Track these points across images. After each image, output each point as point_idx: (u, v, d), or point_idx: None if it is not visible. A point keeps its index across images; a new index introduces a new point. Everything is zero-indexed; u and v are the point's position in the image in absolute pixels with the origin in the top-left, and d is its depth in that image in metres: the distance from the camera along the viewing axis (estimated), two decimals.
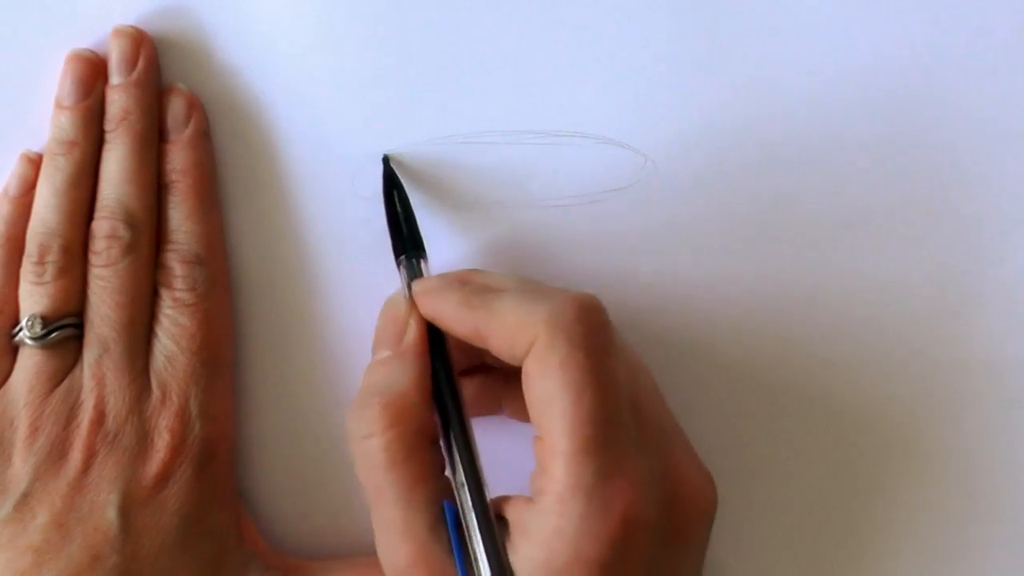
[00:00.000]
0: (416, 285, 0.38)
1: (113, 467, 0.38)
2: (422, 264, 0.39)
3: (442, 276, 0.38)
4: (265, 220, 0.41)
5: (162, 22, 0.41)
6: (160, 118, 0.40)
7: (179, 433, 0.38)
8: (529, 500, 0.35)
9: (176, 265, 0.39)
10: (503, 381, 0.40)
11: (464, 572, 0.34)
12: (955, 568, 0.43)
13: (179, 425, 0.39)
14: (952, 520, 0.42)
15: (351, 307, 0.41)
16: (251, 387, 0.42)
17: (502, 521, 0.35)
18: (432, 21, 0.41)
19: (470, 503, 0.35)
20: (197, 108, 0.40)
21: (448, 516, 0.35)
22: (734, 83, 0.41)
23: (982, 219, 0.42)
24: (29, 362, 0.39)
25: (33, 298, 0.39)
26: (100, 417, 0.38)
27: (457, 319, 0.36)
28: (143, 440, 0.38)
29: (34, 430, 0.38)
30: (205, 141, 0.41)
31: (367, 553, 0.41)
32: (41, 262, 0.39)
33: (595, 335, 0.34)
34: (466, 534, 0.35)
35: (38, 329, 0.38)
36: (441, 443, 0.36)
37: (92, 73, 0.40)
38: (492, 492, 0.36)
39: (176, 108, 0.40)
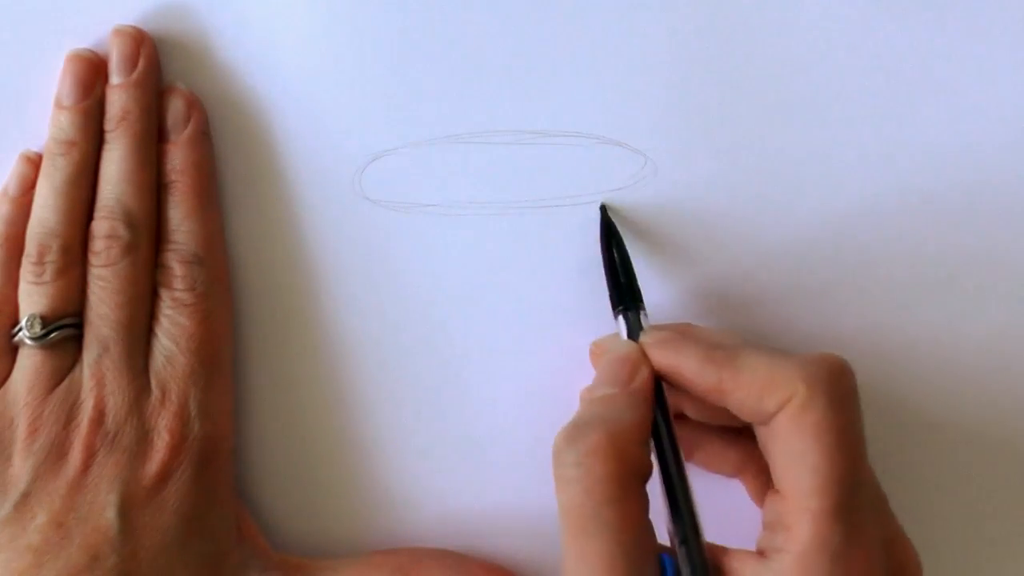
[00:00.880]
0: (649, 336, 0.38)
1: (113, 467, 0.38)
2: (642, 314, 0.39)
3: (672, 330, 0.38)
4: (265, 220, 0.41)
5: (162, 22, 0.41)
6: (160, 118, 0.40)
7: (179, 433, 0.38)
8: (758, 555, 0.34)
9: (176, 265, 0.39)
10: (694, 430, 0.40)
11: None
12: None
13: (179, 425, 0.39)
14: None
15: (351, 307, 0.41)
16: (251, 387, 0.42)
17: (717, 572, 0.35)
18: (432, 21, 0.41)
19: (688, 555, 0.35)
20: (197, 108, 0.40)
21: (668, 569, 0.34)
22: (734, 83, 0.41)
23: (985, 215, 0.42)
24: (28, 362, 0.39)
25: (32, 298, 0.39)
26: (100, 417, 0.38)
27: (698, 373, 0.36)
28: (143, 440, 0.38)
29: (34, 430, 0.38)
30: (205, 141, 0.41)
31: (367, 553, 0.41)
32: (40, 262, 0.39)
33: (849, 397, 0.35)
34: None
35: (37, 329, 0.38)
36: (662, 491, 0.36)
37: (92, 73, 0.40)
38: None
39: (176, 108, 0.40)
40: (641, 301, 0.39)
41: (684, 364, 0.36)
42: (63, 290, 0.39)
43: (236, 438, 0.41)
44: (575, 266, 0.41)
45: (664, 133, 0.41)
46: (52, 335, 0.38)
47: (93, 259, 0.39)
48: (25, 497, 0.38)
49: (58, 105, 0.40)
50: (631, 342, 0.38)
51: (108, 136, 0.40)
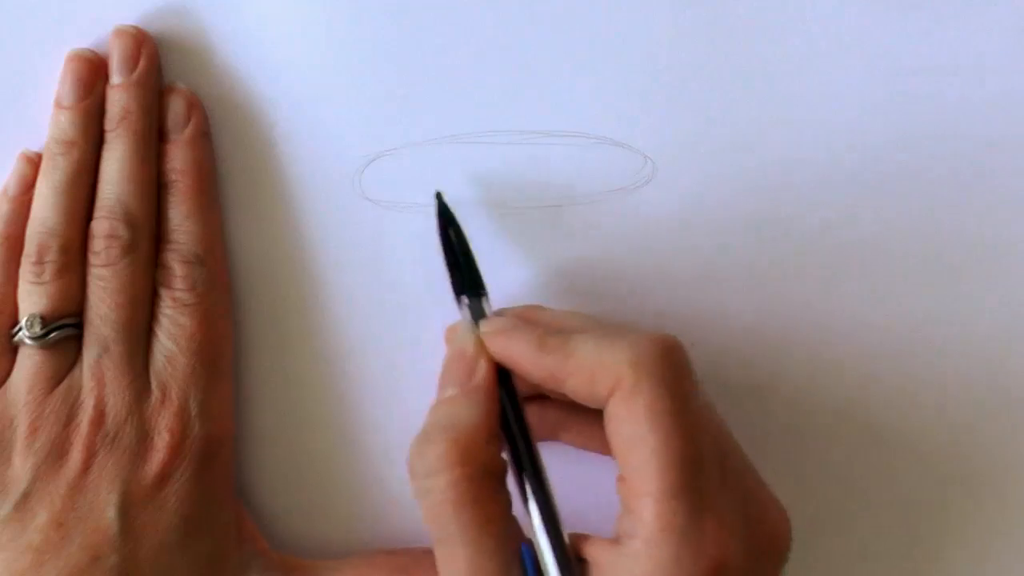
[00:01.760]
0: (485, 325, 0.37)
1: (113, 467, 0.38)
2: (484, 302, 0.38)
3: (510, 316, 0.38)
4: (265, 220, 0.41)
5: (163, 22, 0.41)
6: (160, 118, 0.40)
7: (179, 433, 0.38)
8: (613, 542, 0.34)
9: (176, 265, 0.39)
10: (559, 410, 0.39)
11: None
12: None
13: (179, 425, 0.38)
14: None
15: (351, 307, 0.41)
16: (251, 387, 0.42)
17: (582, 562, 0.35)
18: (432, 21, 0.41)
19: (548, 545, 0.35)
20: (197, 108, 0.40)
21: (527, 560, 0.34)
22: (734, 83, 0.41)
23: (988, 218, 0.42)
24: (28, 362, 0.39)
25: (32, 298, 0.39)
26: (100, 417, 0.38)
27: (532, 363, 0.36)
28: (143, 440, 0.38)
29: (34, 430, 0.38)
30: (205, 141, 0.41)
31: (367, 553, 0.41)
32: (40, 262, 0.39)
33: (680, 376, 0.34)
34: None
35: (37, 329, 0.38)
36: (513, 483, 0.36)
37: (92, 73, 0.40)
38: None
39: (176, 108, 0.40)
40: (483, 287, 0.39)
41: (519, 353, 0.36)
42: (63, 290, 0.39)
43: (236, 438, 0.41)
44: (575, 266, 0.41)
45: (664, 133, 0.41)
46: (52, 335, 0.38)
47: (93, 259, 0.39)
48: (25, 497, 0.38)
49: (58, 105, 0.40)
50: (469, 335, 0.37)
51: (108, 136, 0.40)
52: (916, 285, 0.42)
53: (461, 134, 0.41)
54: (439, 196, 0.40)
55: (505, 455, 0.36)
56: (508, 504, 0.35)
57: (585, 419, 0.38)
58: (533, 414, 0.38)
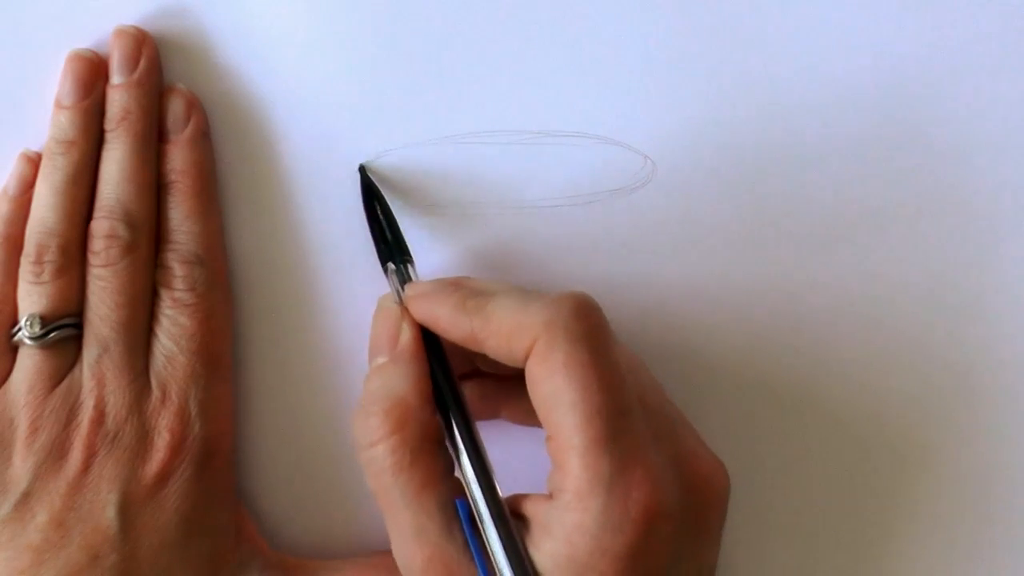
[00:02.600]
0: (408, 289, 0.38)
1: (113, 467, 0.38)
2: (410, 269, 0.39)
3: (434, 281, 0.38)
4: (265, 220, 0.41)
5: (163, 22, 0.41)
6: (160, 118, 0.40)
7: (179, 433, 0.38)
8: (548, 497, 0.35)
9: (176, 265, 0.39)
10: (498, 386, 0.40)
11: (484, 569, 0.34)
12: (961, 569, 0.43)
13: (179, 425, 0.39)
14: (962, 521, 0.42)
15: (351, 307, 0.41)
16: (251, 387, 0.42)
17: (521, 519, 0.35)
18: (432, 21, 0.41)
19: (483, 500, 0.35)
20: (197, 108, 0.40)
21: (462, 513, 0.35)
22: (735, 83, 0.41)
23: (987, 217, 0.42)
24: (28, 362, 0.39)
25: (32, 298, 0.39)
26: (100, 417, 0.38)
27: (452, 323, 0.36)
28: (143, 440, 0.38)
29: (34, 430, 0.38)
30: (205, 141, 0.41)
31: (367, 553, 0.41)
32: (39, 262, 0.39)
33: (595, 331, 0.35)
34: (482, 532, 0.35)
35: (37, 329, 0.38)
36: (447, 444, 0.36)
37: (92, 73, 0.40)
38: (507, 493, 0.36)
39: (176, 108, 0.40)
40: (408, 255, 0.39)
41: (440, 314, 0.36)
42: (62, 290, 0.39)
43: (236, 438, 0.41)
44: (575, 266, 0.41)
45: (664, 133, 0.41)
46: (52, 335, 0.38)
47: (93, 259, 0.39)
48: (25, 497, 0.38)
49: (58, 105, 0.40)
50: (392, 303, 0.38)
51: (108, 136, 0.40)
52: (917, 284, 0.42)
53: (461, 134, 0.41)
54: (362, 169, 0.41)
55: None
56: (449, 466, 0.36)
57: (521, 393, 0.38)
58: (471, 392, 0.39)
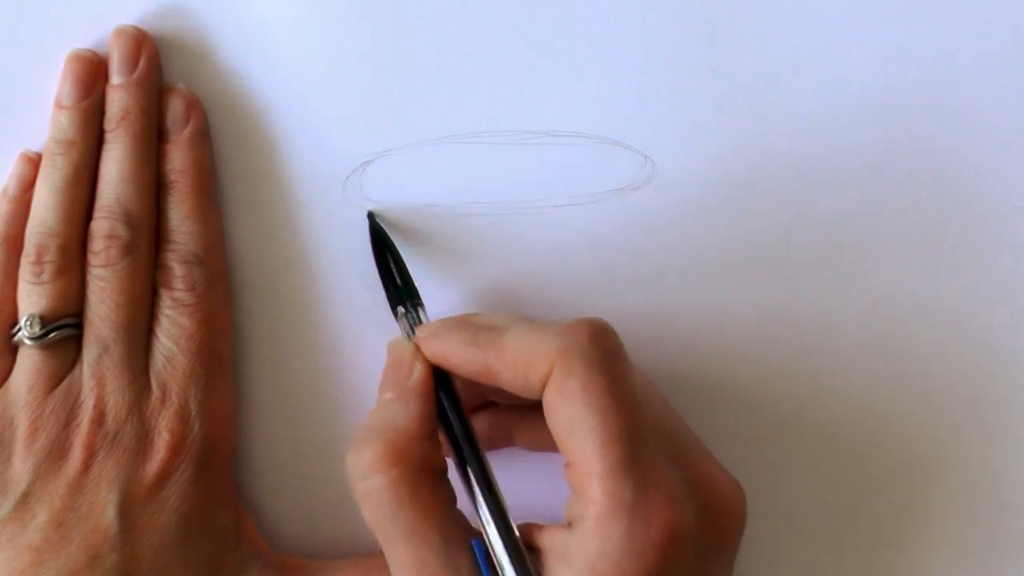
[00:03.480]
0: (420, 331, 0.38)
1: (113, 467, 0.38)
2: (420, 311, 0.39)
3: (444, 320, 0.38)
4: (265, 220, 0.41)
5: (163, 22, 0.41)
6: (160, 118, 0.40)
7: (179, 433, 0.38)
8: (565, 527, 0.34)
9: (175, 265, 0.39)
10: (510, 414, 0.40)
11: None
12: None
13: (179, 425, 0.39)
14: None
15: (351, 306, 0.41)
16: (251, 387, 0.42)
17: (534, 550, 0.35)
18: (432, 21, 0.41)
19: (497, 535, 0.35)
20: (196, 108, 0.40)
21: (478, 553, 0.35)
22: (735, 83, 0.41)
23: (989, 223, 0.42)
24: (28, 362, 0.39)
25: (31, 298, 0.39)
26: (100, 417, 0.38)
27: (466, 358, 0.36)
28: (143, 440, 0.38)
29: (34, 430, 0.38)
30: (204, 141, 0.41)
31: (367, 553, 0.41)
32: (39, 262, 0.39)
33: (611, 355, 0.35)
34: (497, 567, 0.35)
35: (37, 329, 0.38)
36: (460, 480, 0.36)
37: (92, 73, 0.40)
38: (517, 520, 0.36)
39: (175, 108, 0.40)
40: (419, 298, 0.39)
41: (452, 351, 0.36)
42: (62, 290, 0.39)
43: (236, 438, 0.41)
44: (575, 266, 0.41)
45: (664, 133, 0.41)
46: (51, 335, 0.38)
47: (92, 259, 0.39)
48: (25, 497, 0.38)
49: (58, 105, 0.40)
50: (404, 341, 0.38)
51: (108, 136, 0.40)
52: (917, 284, 0.42)
53: (461, 134, 0.41)
54: (371, 215, 0.41)
55: (450, 459, 0.37)
56: (450, 500, 0.36)
57: (535, 421, 0.38)
58: (484, 421, 0.39)
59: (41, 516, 0.37)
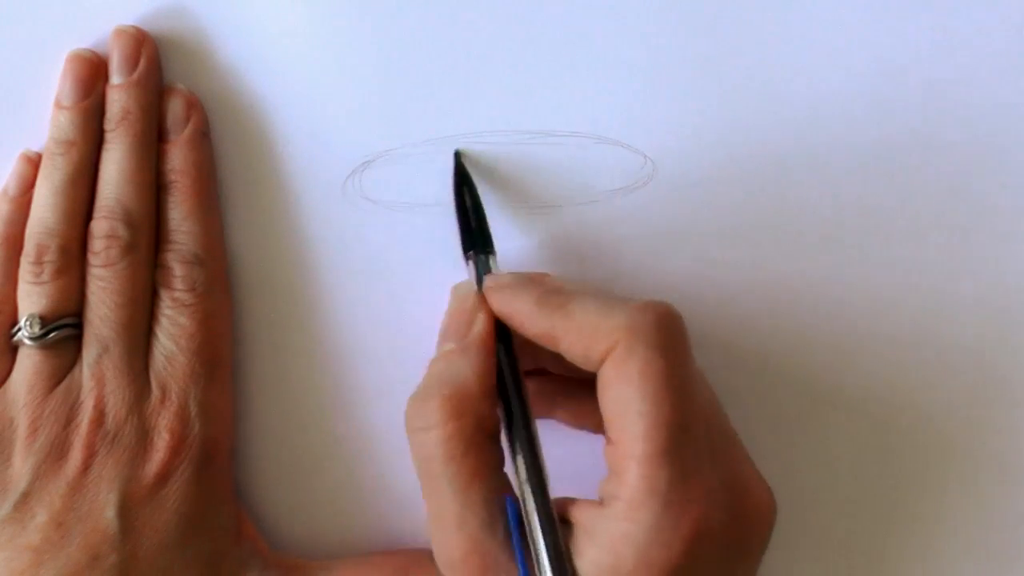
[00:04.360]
0: (488, 280, 0.38)
1: (113, 467, 0.38)
2: (492, 261, 0.39)
3: (514, 274, 0.38)
4: (265, 220, 0.41)
5: (163, 22, 0.41)
6: (160, 118, 0.40)
7: (179, 433, 0.38)
8: (598, 504, 0.34)
9: (175, 265, 0.39)
10: (558, 385, 0.40)
11: (525, 569, 0.34)
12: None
13: (179, 425, 0.39)
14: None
15: (351, 307, 0.41)
16: (251, 387, 0.42)
17: (566, 523, 0.35)
18: (432, 21, 0.41)
19: (532, 501, 0.35)
20: (196, 108, 0.40)
21: (510, 512, 0.35)
22: (735, 83, 0.41)
23: (988, 217, 0.42)
24: (28, 362, 0.39)
25: (31, 298, 0.39)
26: (100, 417, 0.38)
27: (531, 318, 0.36)
28: (143, 440, 0.38)
29: (34, 430, 0.38)
30: (204, 141, 0.41)
31: (366, 553, 0.41)
32: (39, 262, 0.39)
33: (675, 343, 0.35)
34: (528, 533, 0.35)
35: (36, 329, 0.38)
36: (504, 440, 0.36)
37: (92, 73, 0.40)
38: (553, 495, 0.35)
39: (175, 108, 0.40)
40: (491, 246, 0.39)
41: (519, 308, 0.36)
42: (62, 290, 0.39)
43: (236, 438, 0.41)
44: (575, 266, 0.41)
45: (664, 133, 0.41)
46: (51, 335, 0.38)
47: (92, 259, 0.39)
48: (25, 497, 0.38)
49: (58, 105, 0.40)
50: (470, 290, 0.38)
51: (108, 136, 0.40)
52: (917, 282, 0.42)
53: (461, 134, 0.41)
54: (457, 155, 0.40)
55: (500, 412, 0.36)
56: (499, 461, 0.36)
57: (580, 397, 0.38)
58: (530, 388, 0.39)
59: (41, 516, 0.37)
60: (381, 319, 0.41)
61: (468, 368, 0.36)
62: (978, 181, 0.41)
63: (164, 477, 0.38)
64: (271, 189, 0.41)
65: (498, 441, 0.36)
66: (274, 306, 0.42)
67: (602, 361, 0.34)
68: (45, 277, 0.39)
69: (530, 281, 0.37)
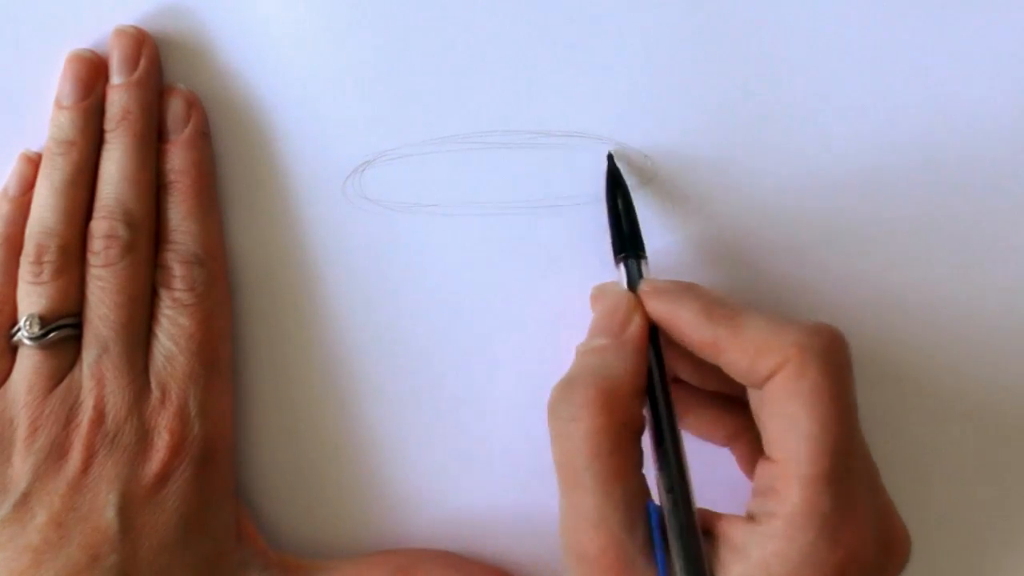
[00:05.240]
0: (645, 284, 0.38)
1: (112, 467, 0.38)
2: (644, 264, 0.39)
3: (674, 281, 0.38)
4: (265, 220, 0.41)
5: (163, 22, 0.41)
6: (160, 118, 0.40)
7: (178, 433, 0.38)
8: (748, 519, 0.34)
9: (175, 265, 0.39)
10: (688, 395, 0.40)
11: (665, 574, 0.34)
12: None
13: (178, 425, 0.39)
14: None
15: (351, 307, 0.41)
16: (251, 387, 0.42)
17: (709, 536, 0.35)
18: (432, 21, 0.41)
19: (677, 509, 0.35)
20: (196, 108, 0.40)
21: (653, 519, 0.34)
22: (735, 83, 0.41)
23: (987, 218, 0.42)
24: (28, 362, 0.39)
25: (31, 298, 0.39)
26: (99, 417, 0.38)
27: (693, 326, 0.36)
28: (142, 440, 0.38)
29: (34, 430, 0.38)
30: (204, 141, 0.41)
31: (367, 553, 0.41)
32: (39, 262, 0.39)
33: (844, 367, 0.35)
34: (670, 540, 0.34)
35: (36, 329, 0.38)
36: (650, 444, 0.36)
37: (92, 73, 0.40)
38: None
39: (175, 108, 0.40)
40: (643, 250, 0.39)
41: (682, 315, 0.36)
42: (61, 290, 0.39)
43: (236, 438, 0.41)
44: (575, 266, 0.41)
45: (664, 133, 0.41)
46: (51, 335, 0.38)
47: (92, 259, 0.39)
48: (25, 497, 0.38)
49: (58, 105, 0.40)
50: (626, 290, 0.38)
51: (108, 136, 0.40)
52: (916, 281, 0.42)
53: (461, 134, 0.41)
54: (610, 157, 0.40)
55: (646, 414, 0.36)
56: (641, 462, 0.35)
57: (708, 408, 0.39)
58: None
59: (41, 516, 0.37)
60: (381, 319, 0.41)
61: (621, 365, 0.36)
62: (982, 180, 0.41)
63: (164, 477, 0.38)
64: (271, 189, 0.41)
65: (639, 442, 0.36)
66: (274, 306, 0.42)
67: (768, 377, 0.34)
68: (45, 277, 0.39)
69: (692, 290, 0.37)
